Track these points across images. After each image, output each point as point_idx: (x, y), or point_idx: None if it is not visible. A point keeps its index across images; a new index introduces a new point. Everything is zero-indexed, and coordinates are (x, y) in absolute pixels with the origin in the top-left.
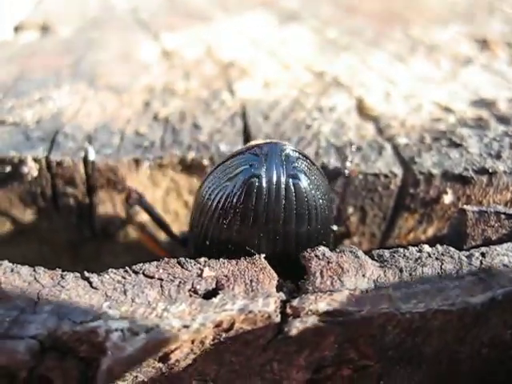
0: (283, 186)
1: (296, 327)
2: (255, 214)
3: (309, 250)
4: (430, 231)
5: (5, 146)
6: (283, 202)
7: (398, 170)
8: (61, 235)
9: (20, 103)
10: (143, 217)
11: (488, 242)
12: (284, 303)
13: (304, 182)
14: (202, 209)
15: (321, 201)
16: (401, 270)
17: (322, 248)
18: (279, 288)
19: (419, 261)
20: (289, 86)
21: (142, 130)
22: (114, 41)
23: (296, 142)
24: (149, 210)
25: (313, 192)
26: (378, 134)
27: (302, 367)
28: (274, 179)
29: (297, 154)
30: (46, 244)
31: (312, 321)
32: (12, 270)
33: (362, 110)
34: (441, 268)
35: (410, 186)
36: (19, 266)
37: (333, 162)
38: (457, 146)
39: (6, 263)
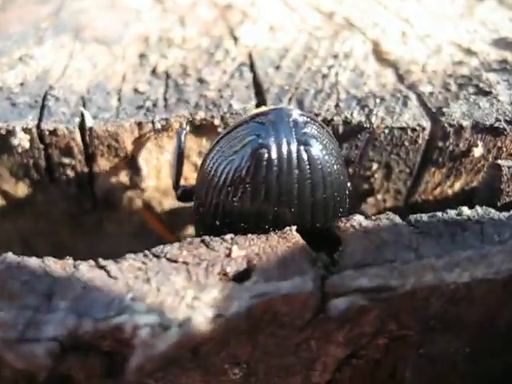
0: (295, 154)
1: (337, 307)
2: (267, 188)
3: (343, 219)
4: (458, 185)
5: None
6: (296, 171)
7: (426, 123)
8: (59, 207)
9: None
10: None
11: None
12: (322, 280)
13: (316, 148)
14: (208, 186)
15: (335, 166)
16: (441, 236)
17: (357, 217)
18: (314, 262)
19: (459, 225)
20: (297, 29)
21: (140, 87)
22: None
23: (313, 94)
24: (180, 146)
25: (326, 158)
26: (399, 81)
27: (341, 344)
28: (284, 148)
29: (305, 119)
30: (43, 217)
31: (354, 299)
32: (18, 264)
33: (379, 54)
34: (481, 232)
35: (438, 139)
36: (25, 257)
37: (356, 115)
38: (485, 93)
39: (9, 256)
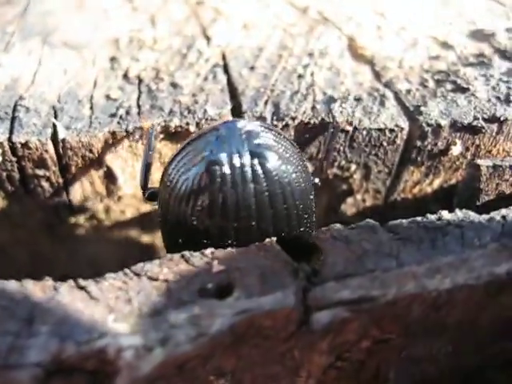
0: (248, 167)
1: (320, 321)
2: (224, 204)
3: (323, 229)
4: (437, 183)
5: None
6: (251, 185)
7: (404, 123)
8: (35, 217)
9: None
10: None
11: (502, 197)
12: (304, 292)
13: (271, 159)
14: (168, 202)
15: (293, 174)
16: (421, 241)
17: (338, 226)
18: (295, 274)
19: (439, 230)
20: (271, 26)
21: (113, 93)
22: None
23: (289, 96)
24: (150, 146)
25: (283, 168)
26: (376, 78)
27: (324, 352)
28: (237, 162)
29: (259, 129)
30: (20, 227)
31: (337, 312)
32: None
33: (354, 50)
34: (462, 236)
35: (416, 138)
36: (3, 281)
37: (335, 116)
38: (463, 90)
39: None
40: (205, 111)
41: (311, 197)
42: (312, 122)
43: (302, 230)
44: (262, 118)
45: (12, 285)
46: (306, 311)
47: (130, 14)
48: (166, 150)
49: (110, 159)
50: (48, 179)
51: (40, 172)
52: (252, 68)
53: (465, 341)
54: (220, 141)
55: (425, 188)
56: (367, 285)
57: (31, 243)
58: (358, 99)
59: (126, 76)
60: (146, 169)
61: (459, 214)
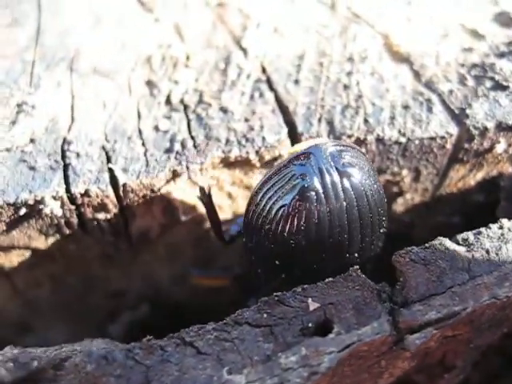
0: (339, 187)
1: (414, 344)
2: (319, 224)
3: (402, 253)
4: (480, 175)
5: (8, 183)
6: (344, 203)
7: (453, 129)
8: (92, 251)
9: None
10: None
11: None
12: (392, 315)
13: (357, 175)
14: (260, 231)
15: (375, 186)
16: (487, 252)
17: (414, 249)
18: (380, 297)
19: (502, 238)
20: (303, 28)
21: (161, 124)
22: None
23: (340, 111)
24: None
25: (367, 181)
26: (416, 79)
27: (408, 358)
28: (329, 184)
29: (340, 148)
30: (75, 260)
31: (427, 332)
32: (106, 359)
33: (390, 48)
34: None
35: (464, 141)
36: (107, 350)
37: (387, 131)
38: (503, 88)
39: (93, 350)
40: (263, 139)
41: (385, 200)
42: (368, 138)
43: (381, 231)
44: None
45: (119, 353)
46: (398, 334)
47: (153, 26)
48: (224, 176)
49: (171, 192)
50: (108, 220)
51: (100, 215)
52: (297, 81)
53: None
54: (309, 166)
55: (468, 181)
56: (449, 302)
57: (85, 271)
58: (405, 107)
59: (168, 102)
60: (216, 223)
61: None
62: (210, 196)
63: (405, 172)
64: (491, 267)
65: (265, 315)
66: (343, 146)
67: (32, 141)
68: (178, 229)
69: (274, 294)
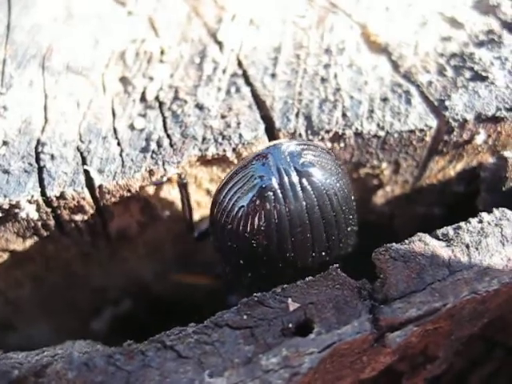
0: (298, 186)
1: (395, 341)
2: (279, 224)
3: (382, 250)
4: (459, 166)
5: None
6: (303, 203)
7: (433, 121)
8: (71, 251)
9: None
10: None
11: None
12: (372, 311)
13: (317, 175)
14: (223, 230)
15: (337, 184)
16: (467, 247)
17: (394, 246)
18: (360, 294)
19: (481, 232)
20: (280, 20)
21: (136, 123)
22: None
23: (318, 105)
24: (186, 197)
25: (328, 180)
26: (395, 70)
27: (389, 353)
28: (287, 184)
29: (299, 148)
30: (54, 260)
31: (408, 330)
32: (87, 366)
33: (368, 38)
34: (501, 234)
35: (443, 133)
36: (88, 356)
37: (366, 125)
38: (482, 78)
39: (75, 357)
40: (240, 136)
41: (352, 197)
42: (347, 132)
43: (348, 229)
44: (298, 134)
45: (100, 359)
46: (378, 332)
47: (126, 20)
48: (202, 174)
49: (148, 192)
50: (86, 221)
51: (77, 217)
52: (273, 75)
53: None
54: (267, 166)
55: (448, 172)
56: (429, 299)
57: (65, 269)
58: (384, 99)
59: (143, 99)
60: (189, 216)
61: (497, 213)
62: (186, 187)
63: (384, 165)
64: (471, 262)
65: (245, 317)
66: (305, 145)
67: (5, 143)
68: (157, 226)
69: (254, 294)
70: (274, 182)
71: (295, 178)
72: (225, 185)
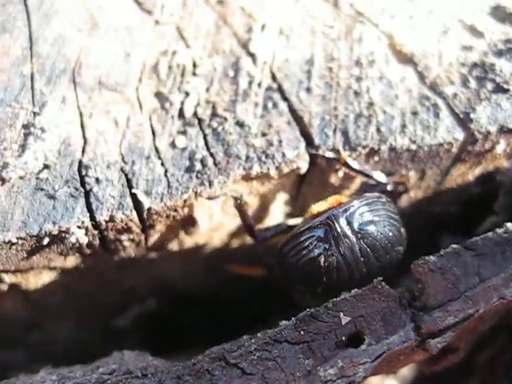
0: (357, 248)
1: (436, 347)
2: (339, 281)
3: (421, 263)
4: (477, 171)
5: (29, 214)
6: (362, 259)
7: (460, 135)
8: (110, 263)
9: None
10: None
11: None
12: (413, 320)
13: (373, 233)
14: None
15: (391, 233)
16: (494, 255)
17: (431, 259)
18: (401, 304)
19: (506, 242)
20: (308, 30)
21: (178, 141)
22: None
23: (353, 120)
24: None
25: (383, 235)
26: (421, 81)
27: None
28: (347, 248)
29: (356, 209)
30: (90, 271)
31: (447, 336)
32: None
33: (394, 49)
34: None
35: (468, 144)
36: (158, 379)
37: (399, 140)
38: (504, 91)
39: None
40: (283, 155)
41: (404, 235)
42: (382, 148)
43: (400, 257)
44: (335, 151)
45: (171, 381)
46: (420, 338)
47: (154, 29)
48: (242, 188)
49: (192, 209)
50: (131, 240)
51: (123, 236)
52: (308, 89)
53: None
54: (328, 231)
55: (467, 176)
56: (463, 306)
57: (100, 278)
58: (414, 113)
59: (181, 115)
60: (250, 227)
61: None
62: (242, 203)
63: (412, 173)
64: (498, 269)
65: (302, 332)
66: (362, 203)
67: (46, 166)
68: (196, 238)
69: (308, 310)
70: (334, 249)
71: (353, 241)
72: (289, 241)
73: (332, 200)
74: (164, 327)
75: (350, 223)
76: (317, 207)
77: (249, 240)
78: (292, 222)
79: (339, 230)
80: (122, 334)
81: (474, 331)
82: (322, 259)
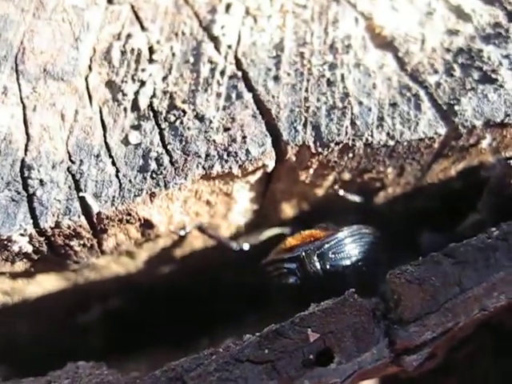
0: (327, 284)
1: (412, 364)
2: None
3: (397, 273)
4: (460, 166)
5: None
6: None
7: (442, 129)
8: (62, 266)
9: None
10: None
11: None
12: (388, 333)
13: (345, 273)
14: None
15: (366, 267)
16: (476, 262)
17: (409, 269)
18: (375, 316)
19: (490, 247)
20: (277, 9)
21: (131, 137)
22: None
23: (326, 113)
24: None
25: (356, 270)
26: (402, 69)
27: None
28: (316, 284)
29: (327, 246)
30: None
31: (423, 352)
32: None
33: (373, 32)
34: (508, 249)
35: (451, 139)
36: None
37: (376, 135)
38: (491, 81)
39: None
40: (247, 152)
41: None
42: (357, 144)
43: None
44: (305, 147)
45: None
46: (394, 354)
47: (107, 10)
48: (203, 187)
49: (147, 211)
50: (82, 244)
51: (72, 242)
52: (277, 78)
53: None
54: (299, 265)
55: (449, 172)
56: (442, 320)
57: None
58: (393, 104)
59: (135, 108)
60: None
61: (504, 226)
62: (206, 228)
63: (390, 170)
64: (480, 278)
65: (266, 350)
66: (337, 238)
67: None
68: (157, 241)
69: (272, 325)
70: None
71: (323, 278)
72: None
73: (307, 233)
74: (130, 323)
75: (321, 260)
76: (292, 240)
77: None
78: (270, 232)
79: (310, 266)
80: (87, 330)
81: (453, 340)
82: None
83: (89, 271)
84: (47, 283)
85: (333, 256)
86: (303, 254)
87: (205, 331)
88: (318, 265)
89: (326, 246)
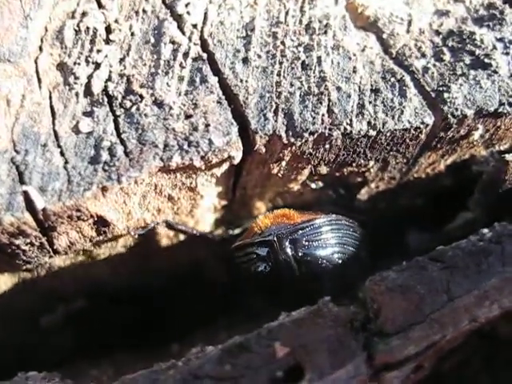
0: (297, 272)
1: (393, 381)
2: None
3: (377, 280)
4: (450, 160)
5: None
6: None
7: (430, 119)
8: (14, 265)
9: None
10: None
11: None
12: (366, 346)
13: (318, 262)
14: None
15: (340, 261)
16: (467, 267)
17: (391, 276)
18: (352, 326)
19: (482, 251)
20: None
21: (82, 125)
22: None
23: (300, 99)
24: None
25: (329, 263)
26: (386, 52)
27: None
28: (287, 273)
29: (303, 232)
30: None
31: (406, 368)
32: None
33: (355, 11)
34: (502, 253)
35: (440, 130)
36: None
37: (356, 124)
38: (484, 66)
39: None
40: (210, 142)
41: (364, 259)
42: (334, 134)
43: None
44: (276, 137)
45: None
46: (373, 369)
47: None
48: (164, 181)
49: (100, 207)
50: (29, 243)
51: (18, 241)
52: (246, 60)
53: None
54: (269, 251)
55: (438, 166)
56: (428, 332)
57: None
58: (375, 90)
59: (88, 92)
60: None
61: (498, 228)
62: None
63: (371, 163)
64: (471, 285)
65: (228, 366)
66: (312, 225)
67: None
68: (114, 239)
69: (237, 338)
70: (274, 265)
71: (294, 266)
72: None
73: (280, 213)
74: (97, 324)
75: (294, 246)
76: (264, 220)
77: None
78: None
79: (281, 253)
80: (52, 333)
81: (440, 351)
82: (262, 277)
83: (45, 271)
84: (1, 283)
85: (306, 243)
86: (275, 238)
87: (175, 335)
88: (289, 251)
89: (300, 231)
